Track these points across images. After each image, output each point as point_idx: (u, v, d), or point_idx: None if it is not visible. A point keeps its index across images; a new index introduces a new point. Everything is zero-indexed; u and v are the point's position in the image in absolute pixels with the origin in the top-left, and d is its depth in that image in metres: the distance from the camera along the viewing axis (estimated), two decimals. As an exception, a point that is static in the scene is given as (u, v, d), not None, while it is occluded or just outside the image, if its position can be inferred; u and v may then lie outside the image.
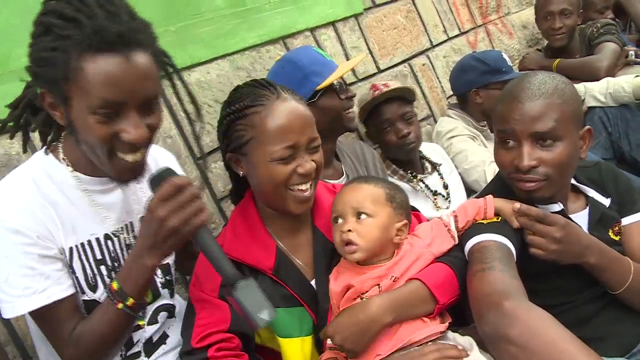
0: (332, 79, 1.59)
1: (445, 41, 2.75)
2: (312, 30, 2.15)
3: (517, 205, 1.16)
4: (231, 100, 1.18)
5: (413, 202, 1.93)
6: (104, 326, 1.00)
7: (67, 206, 1.06)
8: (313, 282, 1.17)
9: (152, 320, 1.18)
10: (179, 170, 1.32)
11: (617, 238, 1.26)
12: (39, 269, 1.01)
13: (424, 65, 2.58)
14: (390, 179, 1.95)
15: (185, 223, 0.92)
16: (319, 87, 1.57)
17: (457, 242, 1.17)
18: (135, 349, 1.15)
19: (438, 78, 2.62)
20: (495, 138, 1.23)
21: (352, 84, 2.22)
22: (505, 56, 2.22)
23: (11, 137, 1.14)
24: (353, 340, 1.03)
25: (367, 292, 1.07)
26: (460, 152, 2.11)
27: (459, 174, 2.11)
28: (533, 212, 1.14)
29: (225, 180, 1.74)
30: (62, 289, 1.03)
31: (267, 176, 1.10)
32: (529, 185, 1.16)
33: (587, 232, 1.21)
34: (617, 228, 1.27)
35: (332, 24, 2.23)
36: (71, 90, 0.94)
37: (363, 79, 2.28)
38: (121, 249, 1.13)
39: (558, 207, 1.21)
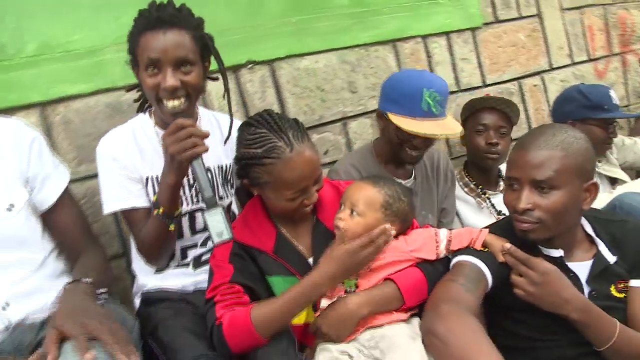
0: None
1: (567, 65, 2.71)
2: (424, 37, 2.31)
3: (507, 245, 1.29)
4: (247, 141, 1.34)
5: (476, 217, 2.07)
6: (150, 228, 1.38)
7: (150, 149, 1.47)
8: (310, 260, 1.40)
9: (203, 244, 1.54)
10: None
11: (620, 295, 1.32)
12: (125, 185, 1.43)
13: (535, 86, 2.60)
14: (460, 190, 2.07)
15: (181, 151, 1.25)
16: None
17: (438, 259, 1.34)
18: (186, 261, 1.53)
19: (548, 101, 2.62)
20: (505, 181, 1.35)
21: (453, 92, 2.34)
22: (612, 94, 2.19)
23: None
24: (337, 330, 1.27)
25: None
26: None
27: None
28: (518, 254, 1.26)
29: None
30: (138, 201, 1.44)
31: (279, 207, 1.36)
32: (524, 226, 1.28)
33: (584, 282, 1.30)
34: (622, 286, 1.32)
35: (446, 33, 2.36)
36: (137, 56, 1.37)
37: (465, 90, 2.39)
38: None
39: (558, 253, 1.32)
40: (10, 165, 1.31)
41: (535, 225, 1.28)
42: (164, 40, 1.33)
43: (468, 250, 1.33)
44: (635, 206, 1.73)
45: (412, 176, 1.88)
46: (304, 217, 1.42)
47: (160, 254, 1.46)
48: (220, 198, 1.55)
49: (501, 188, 2.13)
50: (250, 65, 1.99)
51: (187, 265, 1.54)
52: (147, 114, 1.53)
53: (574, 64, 2.74)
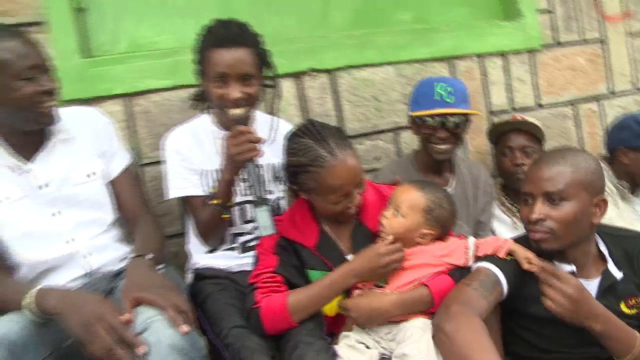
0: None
1: (628, 92, 2.69)
2: (480, 55, 2.39)
3: (530, 255, 1.38)
4: (293, 150, 1.47)
5: (509, 235, 2.12)
6: (207, 215, 1.58)
7: (208, 146, 1.68)
8: (349, 257, 1.52)
9: (250, 232, 1.71)
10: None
11: (630, 312, 1.37)
12: (186, 176, 1.65)
13: (592, 111, 2.60)
14: (496, 209, 2.13)
15: (239, 154, 1.44)
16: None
17: (468, 265, 1.43)
18: (234, 245, 1.72)
19: (604, 127, 2.61)
20: (521, 197, 1.44)
21: (505, 111, 2.41)
22: None
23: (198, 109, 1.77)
24: (364, 320, 1.39)
25: None
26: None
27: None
28: (548, 267, 1.32)
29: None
30: (196, 190, 1.65)
31: (324, 209, 1.50)
32: (537, 236, 1.37)
33: (595, 295, 1.35)
34: (632, 302, 1.37)
35: (503, 53, 2.43)
36: (205, 68, 1.59)
37: (518, 110, 2.44)
38: None
39: (571, 268, 1.38)
40: (90, 142, 1.58)
41: (547, 235, 1.36)
42: (229, 57, 1.54)
43: (489, 257, 1.42)
44: None
45: (450, 185, 1.97)
46: (347, 218, 1.54)
47: (214, 237, 1.65)
48: (270, 192, 1.72)
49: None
50: (312, 73, 2.16)
51: (234, 249, 1.72)
52: (207, 114, 1.72)
53: (637, 90, 2.72)
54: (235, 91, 1.54)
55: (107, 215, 1.57)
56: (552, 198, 1.36)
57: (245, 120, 1.54)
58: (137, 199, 1.64)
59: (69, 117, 1.56)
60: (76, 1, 1.94)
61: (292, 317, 1.40)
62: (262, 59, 1.62)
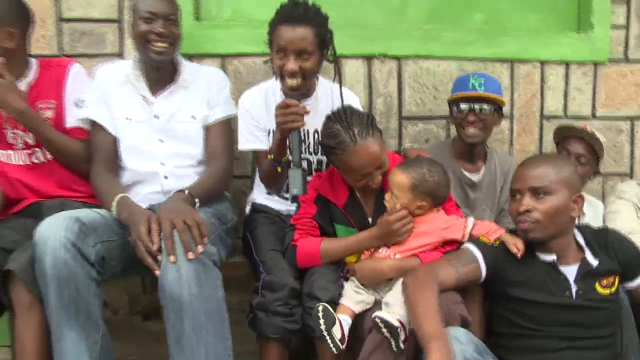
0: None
1: (696, 117, 2.73)
2: (542, 62, 2.55)
3: (518, 243, 1.65)
4: (325, 132, 1.76)
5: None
6: (266, 167, 1.90)
7: (274, 106, 1.84)
8: (370, 219, 1.85)
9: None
10: (358, 105, 2.05)
11: (605, 291, 1.61)
12: (253, 132, 2.00)
13: (650, 129, 2.69)
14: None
15: (284, 122, 1.72)
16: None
17: (464, 240, 1.71)
18: (287, 195, 2.07)
19: (660, 147, 2.69)
20: (510, 194, 1.69)
21: (556, 117, 2.58)
22: None
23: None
24: (366, 280, 1.73)
25: None
26: (614, 212, 2.33)
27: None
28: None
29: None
30: (262, 145, 1.98)
31: (349, 182, 1.81)
32: (524, 226, 1.61)
33: (572, 282, 1.61)
34: (605, 282, 1.61)
35: (566, 63, 2.57)
36: (272, 41, 1.87)
37: (571, 117, 2.59)
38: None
39: (551, 257, 1.63)
40: (202, 93, 2.01)
41: (534, 225, 1.60)
42: (291, 33, 1.80)
43: (476, 241, 1.70)
44: None
45: (480, 173, 2.21)
46: (372, 189, 1.84)
47: (273, 184, 2.03)
48: (316, 153, 2.05)
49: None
50: (382, 58, 2.46)
51: (287, 198, 2.09)
52: (277, 80, 2.02)
53: None
54: (291, 64, 1.81)
55: (196, 152, 2.00)
56: (537, 192, 1.60)
57: (298, 90, 1.82)
58: (217, 147, 1.99)
59: (193, 71, 2.03)
60: (196, -26, 2.38)
61: (322, 259, 1.78)
62: (323, 39, 1.86)
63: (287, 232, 1.88)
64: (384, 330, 1.54)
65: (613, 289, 1.65)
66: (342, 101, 1.98)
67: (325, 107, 1.97)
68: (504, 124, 2.55)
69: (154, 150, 1.95)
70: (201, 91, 2.01)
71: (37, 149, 1.94)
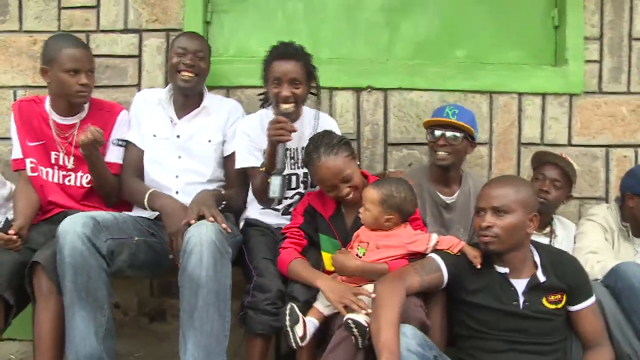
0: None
1: (672, 146, 2.88)
2: (520, 94, 2.78)
3: (477, 254, 1.89)
4: (306, 149, 2.13)
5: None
6: (259, 180, 2.18)
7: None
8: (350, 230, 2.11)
9: (292, 197, 2.33)
10: (336, 128, 2.36)
11: (551, 306, 1.82)
12: (252, 152, 2.28)
13: (625, 157, 2.83)
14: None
15: (274, 135, 2.04)
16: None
17: (427, 253, 1.92)
18: (278, 207, 2.33)
19: (635, 173, 2.84)
20: (475, 211, 1.91)
21: (534, 144, 2.78)
22: None
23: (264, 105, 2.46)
24: (338, 271, 1.98)
25: (362, 241, 1.99)
26: (582, 232, 2.50)
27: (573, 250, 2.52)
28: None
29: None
30: (257, 163, 2.22)
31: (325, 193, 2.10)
32: (485, 239, 1.83)
33: (520, 295, 1.82)
34: (552, 298, 1.82)
35: (542, 94, 2.79)
36: (267, 74, 2.22)
37: (548, 145, 2.78)
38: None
39: (504, 270, 1.85)
40: (220, 122, 2.38)
41: (494, 239, 1.82)
42: (285, 67, 2.17)
43: (440, 252, 1.92)
44: (630, 283, 2.04)
45: (454, 196, 2.43)
46: (348, 202, 2.09)
47: (265, 197, 2.25)
48: (302, 167, 2.31)
49: (545, 231, 2.53)
50: (369, 90, 2.73)
51: (279, 210, 2.36)
52: (269, 109, 2.38)
53: (682, 146, 2.88)
54: (285, 91, 2.16)
55: (208, 171, 2.34)
56: (498, 211, 1.83)
57: (290, 113, 2.14)
58: (235, 176, 2.37)
59: (216, 101, 2.43)
60: (204, 16, 2.72)
61: (288, 275, 2.05)
62: (309, 72, 2.24)
63: (280, 240, 2.17)
64: (355, 330, 1.76)
65: (560, 305, 1.86)
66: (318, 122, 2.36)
67: (309, 129, 2.30)
68: (484, 150, 2.78)
69: (172, 164, 2.32)
70: (220, 120, 2.38)
71: (71, 173, 2.30)
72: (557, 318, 1.85)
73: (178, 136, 2.33)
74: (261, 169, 2.18)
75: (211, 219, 1.98)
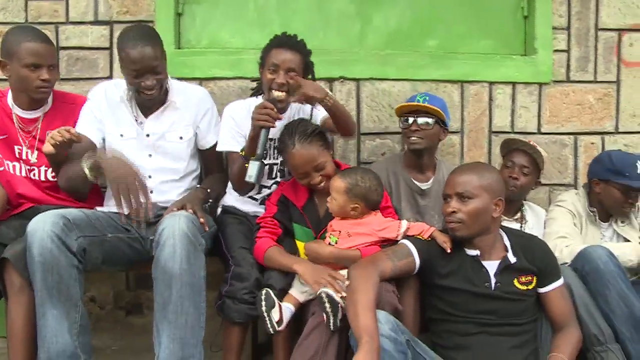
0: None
1: (637, 132, 2.95)
2: (490, 83, 2.82)
3: (446, 239, 1.92)
4: (281, 136, 2.14)
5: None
6: (237, 165, 2.16)
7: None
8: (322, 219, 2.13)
9: (271, 187, 2.35)
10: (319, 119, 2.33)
11: (523, 287, 1.87)
12: (234, 136, 2.25)
13: (592, 144, 2.91)
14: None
15: (258, 120, 2.01)
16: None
17: (398, 239, 1.96)
18: (257, 196, 2.35)
19: (602, 160, 2.91)
20: (442, 197, 1.96)
21: (504, 132, 2.83)
22: None
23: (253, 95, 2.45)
24: (311, 258, 2.00)
25: (334, 230, 2.03)
26: (552, 218, 2.56)
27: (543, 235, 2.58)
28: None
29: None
30: (236, 147, 2.21)
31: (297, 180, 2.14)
32: (451, 225, 1.88)
33: (492, 276, 1.87)
34: (523, 279, 1.87)
35: (513, 83, 2.84)
36: (265, 60, 2.21)
37: (518, 133, 2.84)
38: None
39: (475, 252, 1.89)
40: (190, 115, 2.30)
41: (459, 225, 1.87)
42: (283, 55, 2.17)
43: (411, 238, 1.96)
44: (595, 266, 2.13)
45: (428, 183, 2.47)
46: (322, 190, 2.11)
47: (241, 185, 2.25)
48: None
49: (516, 217, 2.59)
50: (341, 80, 2.75)
51: (256, 200, 2.37)
52: (259, 97, 2.37)
53: (646, 132, 2.97)
54: (280, 78, 2.16)
55: (181, 167, 2.30)
56: (462, 197, 1.88)
57: (281, 101, 2.14)
58: (215, 163, 2.41)
59: (182, 92, 2.29)
60: (176, 8, 2.70)
61: (264, 262, 2.07)
62: (306, 66, 2.26)
63: (255, 230, 2.18)
64: (327, 305, 1.79)
65: (531, 287, 1.91)
66: (312, 114, 2.32)
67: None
68: (455, 138, 2.82)
69: (143, 163, 2.22)
70: (189, 114, 2.30)
71: (34, 168, 2.25)
72: (527, 299, 1.90)
73: (148, 135, 2.25)
74: (241, 153, 2.18)
75: (190, 210, 2.01)
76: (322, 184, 2.09)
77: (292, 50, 2.21)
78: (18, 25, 2.40)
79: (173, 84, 2.31)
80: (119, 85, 2.25)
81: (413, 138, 2.37)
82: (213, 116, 2.36)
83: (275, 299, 1.90)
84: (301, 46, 2.25)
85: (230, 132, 2.30)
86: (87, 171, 1.97)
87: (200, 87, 2.44)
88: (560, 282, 1.96)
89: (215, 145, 2.33)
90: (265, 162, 2.24)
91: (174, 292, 1.84)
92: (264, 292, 1.90)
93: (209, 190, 2.28)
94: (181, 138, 2.29)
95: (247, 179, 2.05)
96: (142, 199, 1.92)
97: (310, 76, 2.30)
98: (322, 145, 2.09)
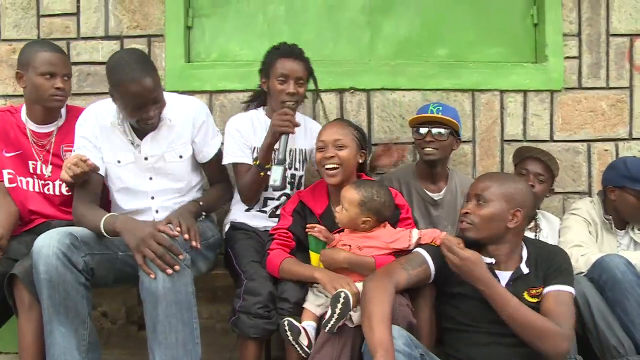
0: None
1: (652, 139, 2.92)
2: (501, 91, 2.80)
3: (460, 241, 1.84)
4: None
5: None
6: (249, 175, 2.19)
7: (259, 130, 2.29)
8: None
9: (279, 199, 2.34)
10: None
11: (532, 300, 1.81)
12: (241, 148, 2.28)
13: (606, 151, 2.87)
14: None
15: (278, 126, 2.07)
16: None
17: (410, 248, 1.94)
18: (265, 209, 2.36)
19: (616, 166, 2.87)
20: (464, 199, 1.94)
21: (517, 141, 2.81)
22: None
23: (252, 107, 2.46)
24: (326, 264, 2.00)
25: (344, 244, 2.01)
26: (566, 227, 2.53)
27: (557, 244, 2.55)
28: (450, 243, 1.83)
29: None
30: (246, 160, 2.26)
31: (316, 161, 2.15)
32: (462, 225, 1.87)
33: (503, 285, 1.82)
34: (534, 292, 1.82)
35: (524, 91, 2.82)
36: (271, 70, 2.25)
37: (531, 141, 2.81)
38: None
39: (490, 260, 1.86)
40: (187, 132, 2.23)
41: (469, 226, 1.85)
42: (292, 65, 2.24)
43: (426, 245, 1.94)
44: (613, 275, 2.10)
45: (440, 193, 2.45)
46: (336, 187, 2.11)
47: (253, 195, 2.28)
48: (297, 169, 2.36)
49: (530, 226, 2.56)
50: (352, 91, 2.74)
51: (265, 212, 2.37)
52: (260, 109, 2.39)
53: (661, 138, 2.93)
54: (291, 87, 2.22)
55: (182, 186, 2.26)
56: (479, 200, 1.87)
57: (292, 109, 2.16)
58: (217, 174, 2.37)
59: (175, 105, 2.19)
60: (186, 21, 2.72)
61: (280, 275, 2.05)
62: (311, 73, 2.33)
63: (267, 242, 2.17)
64: (340, 304, 1.77)
65: (540, 299, 1.84)
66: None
67: (300, 132, 2.31)
68: (467, 147, 2.80)
69: (145, 187, 2.21)
70: (186, 131, 2.21)
71: (49, 182, 2.26)
72: (539, 311, 1.82)
73: (146, 158, 2.17)
74: (255, 162, 2.19)
75: (177, 226, 1.96)
76: (336, 170, 2.09)
77: (297, 60, 2.27)
78: (34, 40, 2.49)
79: (166, 99, 2.17)
80: (108, 110, 2.15)
81: (428, 149, 2.36)
82: (209, 128, 2.28)
83: (298, 325, 1.88)
84: (303, 55, 2.32)
85: (237, 144, 2.30)
86: (104, 233, 1.96)
87: (194, 99, 2.36)
88: (564, 287, 1.82)
89: (215, 156, 2.31)
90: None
91: (159, 312, 1.80)
92: (286, 322, 1.87)
93: (201, 203, 2.22)
94: (181, 157, 2.22)
95: (271, 183, 2.06)
96: (171, 254, 1.84)
97: (313, 81, 2.36)
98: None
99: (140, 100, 1.99)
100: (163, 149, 2.19)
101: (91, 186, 2.09)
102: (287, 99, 2.20)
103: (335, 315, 1.77)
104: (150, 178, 2.21)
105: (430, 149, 2.36)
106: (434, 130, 2.36)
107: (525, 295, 1.83)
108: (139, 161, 2.18)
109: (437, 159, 2.39)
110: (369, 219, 1.99)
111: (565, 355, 1.77)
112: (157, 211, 2.22)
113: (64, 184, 2.23)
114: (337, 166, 2.08)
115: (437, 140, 2.35)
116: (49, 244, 1.81)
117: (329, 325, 1.78)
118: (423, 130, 2.38)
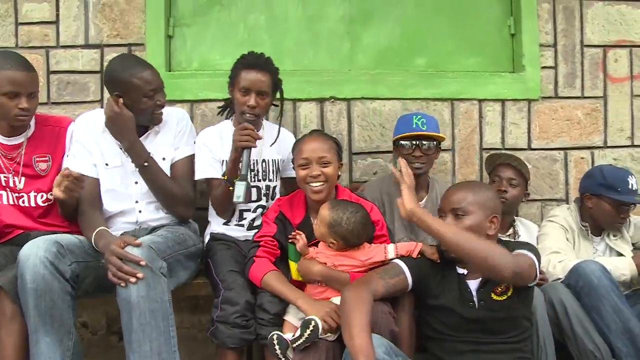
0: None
1: (625, 146, 2.98)
2: (480, 100, 2.85)
3: (435, 251, 1.91)
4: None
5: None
6: (219, 189, 2.19)
7: (227, 142, 2.21)
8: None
9: (255, 210, 2.34)
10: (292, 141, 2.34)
11: (499, 298, 1.84)
12: (210, 163, 2.27)
13: (582, 158, 2.94)
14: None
15: (239, 141, 2.07)
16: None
17: (387, 260, 1.95)
18: (243, 223, 2.34)
19: (592, 174, 2.93)
20: (438, 213, 1.95)
21: (495, 149, 2.85)
22: (631, 180, 2.46)
23: (223, 116, 2.47)
24: (302, 274, 2.02)
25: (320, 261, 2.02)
26: (544, 234, 2.57)
27: (535, 250, 2.59)
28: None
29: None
30: (217, 174, 2.25)
31: (298, 177, 2.13)
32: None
33: (474, 293, 1.86)
34: (499, 290, 1.85)
35: (502, 100, 2.87)
36: (235, 81, 2.23)
37: (509, 149, 2.86)
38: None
39: (462, 271, 1.90)
40: (171, 137, 2.28)
41: None
42: (254, 77, 2.20)
43: (403, 257, 1.95)
44: (589, 281, 2.14)
45: (423, 201, 2.46)
46: (319, 202, 2.10)
47: (224, 210, 2.29)
48: (270, 180, 2.36)
49: (508, 233, 2.60)
50: (332, 100, 2.76)
51: (243, 225, 2.35)
52: (230, 120, 2.39)
53: (634, 146, 2.99)
54: (252, 100, 2.19)
55: None
56: (457, 213, 1.88)
57: (253, 122, 2.17)
58: (182, 180, 2.27)
59: (162, 117, 2.27)
60: (166, 30, 2.72)
61: (262, 286, 2.04)
62: (276, 85, 2.28)
63: (251, 249, 2.15)
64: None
65: (507, 295, 1.86)
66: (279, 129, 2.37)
67: (269, 141, 2.32)
68: (447, 156, 2.84)
69: (130, 190, 2.22)
70: (170, 136, 2.29)
71: (24, 194, 2.20)
72: (508, 310, 1.86)
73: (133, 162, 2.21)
74: (223, 177, 2.19)
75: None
76: (321, 186, 2.10)
77: (262, 72, 2.22)
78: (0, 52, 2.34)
79: None
80: (99, 118, 2.23)
81: (417, 164, 2.37)
82: (185, 136, 2.33)
83: (287, 339, 1.88)
84: (270, 65, 2.26)
85: (206, 160, 2.29)
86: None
87: (179, 108, 2.43)
88: (526, 253, 1.85)
89: (180, 161, 2.30)
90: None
91: (134, 321, 1.80)
92: (275, 337, 1.88)
93: (147, 164, 2.19)
94: (164, 159, 2.27)
95: (235, 199, 2.05)
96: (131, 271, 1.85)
97: (278, 93, 2.32)
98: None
99: (154, 85, 2.16)
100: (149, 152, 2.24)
101: (87, 191, 2.13)
102: (248, 111, 2.19)
103: (302, 339, 1.82)
104: (136, 182, 2.23)
105: (419, 164, 2.38)
106: (424, 145, 2.38)
107: (492, 296, 1.86)
108: (125, 165, 2.21)
109: (424, 171, 2.42)
110: (335, 242, 2.00)
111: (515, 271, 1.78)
112: (140, 211, 2.23)
113: (39, 195, 2.20)
114: (324, 183, 2.09)
115: (425, 155, 2.38)
116: (35, 253, 1.79)
117: (296, 345, 1.83)
118: (409, 144, 2.39)
